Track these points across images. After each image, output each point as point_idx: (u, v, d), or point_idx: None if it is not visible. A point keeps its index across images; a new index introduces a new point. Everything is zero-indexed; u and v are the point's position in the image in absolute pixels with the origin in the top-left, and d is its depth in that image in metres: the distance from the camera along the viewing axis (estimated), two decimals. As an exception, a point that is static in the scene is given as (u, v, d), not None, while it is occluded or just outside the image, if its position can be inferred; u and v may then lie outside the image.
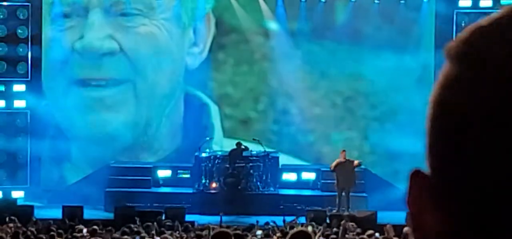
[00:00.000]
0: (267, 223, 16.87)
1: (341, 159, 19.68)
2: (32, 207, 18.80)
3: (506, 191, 0.73)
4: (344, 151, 19.91)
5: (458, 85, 0.78)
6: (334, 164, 19.59)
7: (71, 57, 22.43)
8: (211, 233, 8.17)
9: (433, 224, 0.79)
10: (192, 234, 15.05)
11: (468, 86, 0.76)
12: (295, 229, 8.22)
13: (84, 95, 22.35)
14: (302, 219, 17.84)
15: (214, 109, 23.12)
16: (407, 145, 20.66)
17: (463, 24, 21.32)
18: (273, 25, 22.80)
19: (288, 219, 17.58)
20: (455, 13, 21.49)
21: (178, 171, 21.91)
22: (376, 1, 21.74)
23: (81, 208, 18.34)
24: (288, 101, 22.82)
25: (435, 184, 0.79)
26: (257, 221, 16.80)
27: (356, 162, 19.71)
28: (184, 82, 23.31)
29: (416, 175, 0.81)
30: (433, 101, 0.80)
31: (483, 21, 0.79)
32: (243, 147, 20.86)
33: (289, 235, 6.31)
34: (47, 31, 22.39)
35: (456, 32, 21.38)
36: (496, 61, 0.75)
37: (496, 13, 0.79)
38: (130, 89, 22.98)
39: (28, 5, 22.03)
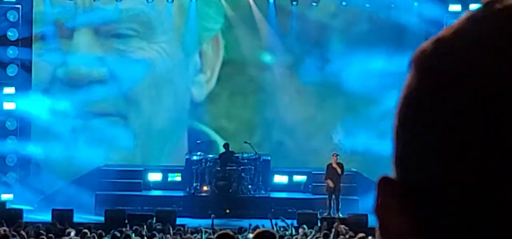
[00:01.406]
0: (257, 227, 16.82)
1: (333, 163, 19.69)
2: (21, 210, 18.69)
3: (465, 195, 0.76)
4: (335, 154, 19.91)
5: (418, 95, 0.80)
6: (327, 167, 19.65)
7: (54, 83, 21.81)
8: (215, 235, 8.14)
9: (399, 227, 0.81)
10: (179, 238, 15.01)
11: (427, 96, 0.79)
12: (260, 229, 8.20)
13: (73, 116, 21.80)
14: (294, 222, 17.81)
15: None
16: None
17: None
18: (267, 57, 22.10)
19: (280, 223, 17.54)
20: (445, 17, 21.49)
21: (169, 174, 21.83)
22: (367, 5, 21.72)
23: (71, 211, 18.25)
24: (283, 133, 22.29)
25: (401, 189, 0.81)
26: (250, 225, 16.76)
27: (339, 167, 19.63)
28: (189, 117, 21.95)
29: (383, 180, 0.83)
30: (396, 111, 0.82)
31: (444, 30, 0.81)
32: (231, 150, 20.78)
33: (254, 234, 6.35)
34: (37, 38, 22.09)
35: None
36: (452, 73, 0.77)
37: (456, 22, 0.80)
38: (120, 124, 21.62)
39: (18, 7, 21.91)
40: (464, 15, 0.80)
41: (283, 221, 17.32)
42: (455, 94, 0.77)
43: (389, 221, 0.82)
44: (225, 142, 21.07)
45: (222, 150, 20.91)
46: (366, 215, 18.26)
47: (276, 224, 17.05)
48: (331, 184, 19.54)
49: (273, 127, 22.38)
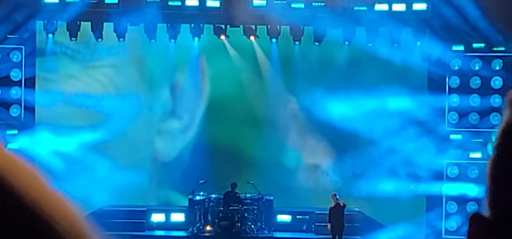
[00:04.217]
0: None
1: (332, 204, 19.67)
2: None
3: None
4: (335, 194, 19.87)
5: None
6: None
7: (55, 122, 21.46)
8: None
9: None
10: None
11: None
12: None
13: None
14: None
15: None
16: (400, 187, 20.73)
17: (456, 68, 21.41)
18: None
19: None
20: (448, 57, 21.53)
21: (172, 214, 21.78)
22: (369, 44, 21.78)
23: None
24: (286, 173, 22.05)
25: (493, 222, 0.82)
26: None
27: (341, 203, 19.68)
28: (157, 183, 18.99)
29: (474, 216, 0.85)
30: (495, 146, 0.82)
31: None
32: (236, 191, 20.74)
33: None
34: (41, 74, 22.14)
35: (448, 76, 21.46)
36: None
37: None
38: None
39: (21, 48, 21.93)
40: None
41: None
42: None
43: None
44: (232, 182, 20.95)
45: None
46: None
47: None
48: (329, 227, 19.53)
49: (276, 166, 22.31)
